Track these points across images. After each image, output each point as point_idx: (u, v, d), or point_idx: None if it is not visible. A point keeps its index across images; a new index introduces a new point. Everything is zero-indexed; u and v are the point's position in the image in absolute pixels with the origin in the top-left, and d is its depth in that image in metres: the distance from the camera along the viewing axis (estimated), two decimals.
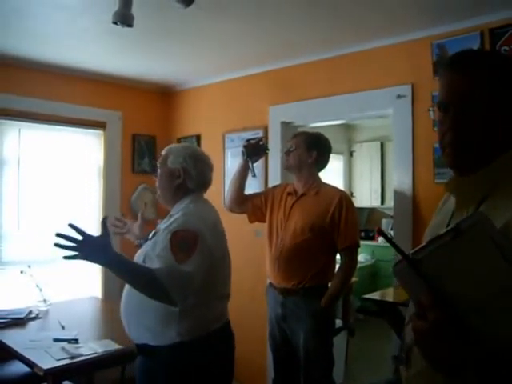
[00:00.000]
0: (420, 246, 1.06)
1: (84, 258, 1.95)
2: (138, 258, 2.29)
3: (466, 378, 1.02)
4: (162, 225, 2.30)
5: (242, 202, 3.32)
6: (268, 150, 3.37)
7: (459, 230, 1.02)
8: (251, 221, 3.41)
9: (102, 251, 1.98)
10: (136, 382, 2.33)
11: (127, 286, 2.26)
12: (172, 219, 2.24)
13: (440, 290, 1.04)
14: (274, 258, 3.10)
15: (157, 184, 2.45)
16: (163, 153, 2.47)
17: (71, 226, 1.98)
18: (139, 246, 2.38)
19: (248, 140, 3.31)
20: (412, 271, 1.05)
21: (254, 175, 3.27)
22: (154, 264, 2.08)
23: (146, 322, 2.18)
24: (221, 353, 2.34)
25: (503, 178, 1.18)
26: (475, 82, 1.20)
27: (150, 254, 2.18)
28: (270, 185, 3.96)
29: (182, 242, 2.11)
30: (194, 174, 2.37)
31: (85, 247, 1.94)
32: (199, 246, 2.12)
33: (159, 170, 2.43)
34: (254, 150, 3.25)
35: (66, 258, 1.94)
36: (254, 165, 3.27)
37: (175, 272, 2.05)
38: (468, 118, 1.20)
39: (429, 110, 1.33)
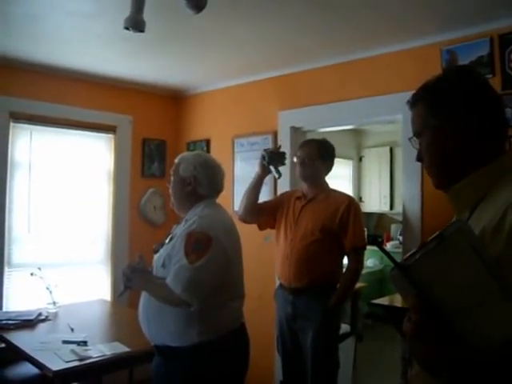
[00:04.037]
0: (411, 252, 1.14)
1: (133, 286, 2.33)
2: (156, 261, 2.36)
3: (443, 376, 1.12)
4: (179, 229, 2.36)
5: (256, 212, 3.35)
6: (286, 156, 3.30)
7: (442, 236, 1.10)
8: (262, 228, 3.46)
9: (144, 278, 2.33)
10: (153, 382, 2.37)
11: None
12: (189, 223, 2.30)
13: (428, 294, 1.11)
14: (285, 258, 3.18)
15: (170, 191, 2.51)
16: (176, 161, 2.54)
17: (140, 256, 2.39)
18: (156, 251, 2.43)
19: (265, 150, 3.28)
20: (403, 276, 1.13)
21: (280, 176, 3.18)
22: (171, 266, 2.21)
23: (167, 324, 2.24)
24: (238, 353, 2.41)
25: (489, 186, 1.24)
26: (418, 115, 1.36)
27: (170, 256, 2.26)
28: (279, 190, 4.00)
29: (196, 243, 2.20)
30: (204, 182, 2.44)
31: (134, 276, 2.32)
32: (212, 247, 2.20)
33: (172, 178, 2.50)
34: (275, 156, 3.21)
35: (120, 295, 2.42)
36: (279, 168, 3.20)
37: (186, 272, 2.16)
38: (427, 146, 1.33)
39: (409, 139, 1.42)
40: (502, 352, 1.04)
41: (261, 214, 3.37)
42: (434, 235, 1.11)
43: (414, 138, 1.39)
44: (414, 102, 1.39)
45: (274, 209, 3.37)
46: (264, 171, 3.25)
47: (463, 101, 1.28)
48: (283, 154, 3.27)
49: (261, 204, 3.37)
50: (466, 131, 1.27)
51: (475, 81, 1.34)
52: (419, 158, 1.38)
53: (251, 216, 3.36)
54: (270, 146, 4.25)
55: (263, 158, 3.20)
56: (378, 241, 1.74)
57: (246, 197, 3.32)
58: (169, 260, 2.25)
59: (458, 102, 1.28)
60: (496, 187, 1.23)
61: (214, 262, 2.22)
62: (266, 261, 4.06)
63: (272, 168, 3.18)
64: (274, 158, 3.19)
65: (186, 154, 2.64)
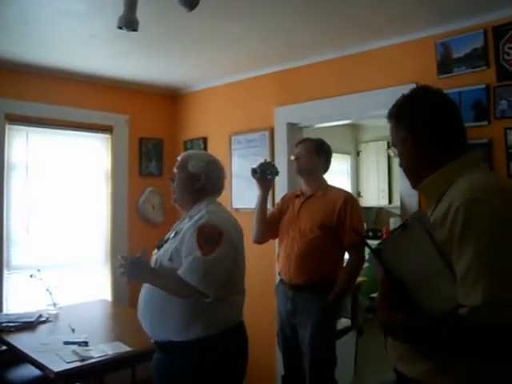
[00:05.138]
0: (383, 239, 1.52)
1: (128, 274, 2.25)
2: (162, 256, 2.37)
3: (399, 339, 1.45)
4: (184, 225, 2.39)
5: (267, 229, 3.39)
6: (274, 164, 3.41)
7: (405, 224, 1.41)
8: (275, 238, 3.48)
9: (139, 269, 2.27)
10: (155, 380, 2.38)
11: (146, 285, 2.37)
12: (196, 218, 2.34)
13: (394, 271, 1.43)
14: (286, 256, 3.23)
15: (174, 187, 2.54)
16: (180, 158, 2.57)
17: (121, 257, 2.29)
18: (160, 246, 2.46)
19: (253, 167, 3.31)
20: (375, 258, 1.45)
21: (277, 173, 3.31)
22: (183, 260, 2.23)
23: (171, 318, 2.25)
24: (239, 349, 2.43)
25: (448, 183, 1.50)
26: (393, 128, 1.66)
27: (178, 248, 2.29)
28: (278, 191, 4.00)
29: (208, 236, 2.25)
30: (214, 179, 2.52)
31: (128, 265, 2.25)
32: (224, 239, 2.26)
33: (177, 175, 2.53)
34: (265, 166, 3.27)
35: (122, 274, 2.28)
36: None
37: (201, 264, 2.19)
38: (400, 154, 1.64)
39: (387, 150, 1.74)
40: (447, 320, 1.32)
41: (271, 228, 3.41)
42: (400, 224, 1.42)
43: (392, 148, 1.68)
44: (389, 119, 1.68)
45: (279, 217, 3.42)
46: (264, 188, 3.29)
47: (419, 116, 1.57)
48: (270, 162, 3.40)
49: (268, 219, 3.41)
50: (425, 140, 1.55)
51: (430, 98, 1.61)
52: (400, 164, 1.67)
53: (264, 235, 3.42)
54: (267, 142, 4.31)
55: (255, 172, 3.24)
56: (356, 230, 2.21)
57: (255, 220, 3.37)
58: (176, 253, 2.28)
59: (416, 117, 1.57)
60: (454, 183, 1.47)
61: (226, 255, 2.27)
62: (267, 259, 4.07)
63: (268, 173, 3.26)
64: (264, 167, 3.26)
65: (192, 151, 2.71)
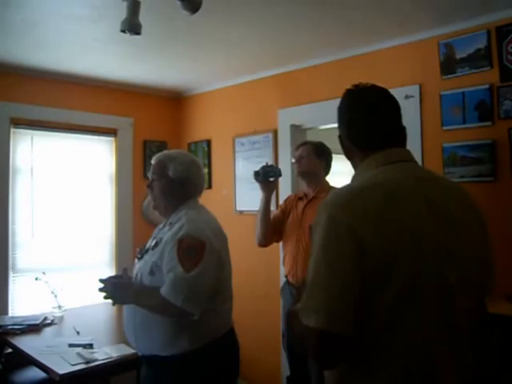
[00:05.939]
0: None
1: (111, 297, 2.19)
2: (142, 268, 2.25)
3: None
4: (163, 233, 2.26)
5: (271, 232, 3.40)
6: (275, 166, 3.49)
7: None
8: (279, 241, 3.49)
9: (122, 291, 2.20)
10: None
11: None
12: (176, 227, 2.20)
13: None
14: (292, 258, 3.24)
15: (154, 195, 2.37)
16: (156, 162, 2.38)
17: (101, 280, 2.23)
18: (141, 257, 2.32)
19: (255, 170, 3.35)
20: None
21: (280, 174, 3.34)
22: (164, 276, 2.11)
23: (157, 333, 2.14)
24: (230, 357, 2.32)
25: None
26: None
27: (158, 263, 2.16)
28: (282, 193, 4.02)
29: (189, 249, 2.09)
30: (196, 182, 2.38)
31: (110, 288, 2.19)
32: (206, 251, 2.11)
33: (157, 182, 2.34)
34: (267, 169, 3.32)
35: (104, 297, 2.21)
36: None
37: (184, 283, 2.05)
38: None
39: None
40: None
41: (275, 230, 3.42)
42: None
43: None
44: None
45: (283, 219, 3.42)
46: (267, 190, 3.33)
47: (339, 116, 1.59)
48: (272, 165, 3.42)
49: (272, 221, 3.42)
50: (347, 141, 1.57)
51: (347, 99, 1.59)
52: None
53: (269, 238, 3.43)
54: (270, 144, 4.32)
55: (257, 174, 3.29)
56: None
57: (259, 223, 3.38)
58: (157, 268, 2.15)
59: (339, 117, 1.60)
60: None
61: (210, 267, 2.12)
62: (270, 260, 4.07)
63: (270, 175, 3.30)
64: (266, 169, 3.31)
65: (167, 152, 2.44)
